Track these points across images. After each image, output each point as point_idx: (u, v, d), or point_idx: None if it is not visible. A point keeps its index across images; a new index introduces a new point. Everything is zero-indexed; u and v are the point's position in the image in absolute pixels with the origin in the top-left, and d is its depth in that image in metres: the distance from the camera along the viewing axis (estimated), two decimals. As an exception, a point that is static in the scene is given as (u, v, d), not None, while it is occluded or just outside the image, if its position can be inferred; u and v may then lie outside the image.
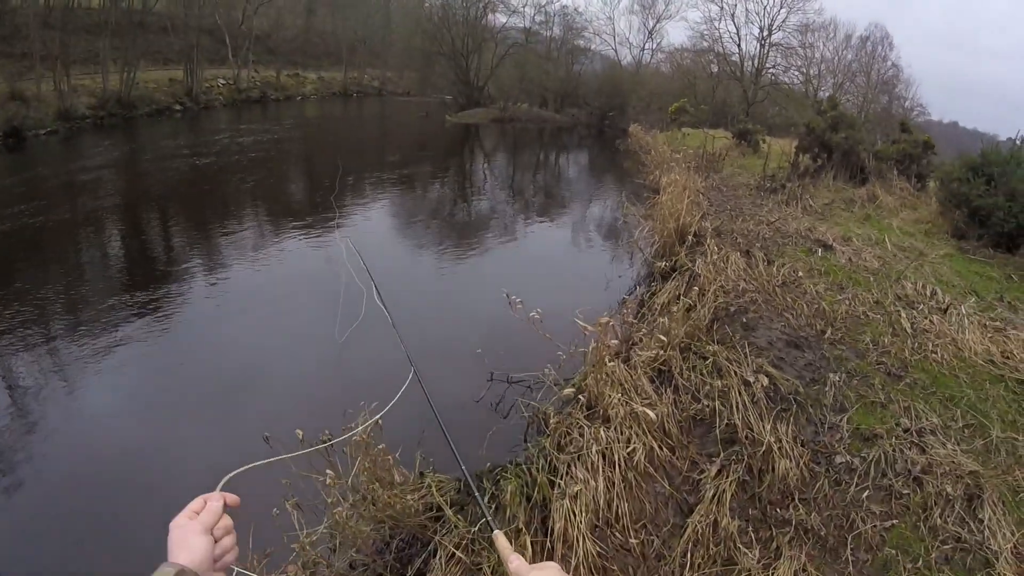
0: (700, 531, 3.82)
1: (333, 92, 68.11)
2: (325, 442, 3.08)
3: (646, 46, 49.71)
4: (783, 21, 41.99)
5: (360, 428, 3.37)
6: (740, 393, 4.93)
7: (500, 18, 47.70)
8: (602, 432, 4.40)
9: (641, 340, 6.31)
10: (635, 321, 7.25)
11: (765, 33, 42.09)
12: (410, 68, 52.06)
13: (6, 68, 40.59)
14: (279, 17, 67.23)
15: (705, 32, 44.70)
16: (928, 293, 7.55)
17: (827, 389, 5.16)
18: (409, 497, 3.81)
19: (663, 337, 5.87)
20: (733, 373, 5.26)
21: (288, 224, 12.55)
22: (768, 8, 41.62)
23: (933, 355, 5.94)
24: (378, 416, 3.22)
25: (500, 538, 1.21)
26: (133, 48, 44.88)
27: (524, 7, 47.52)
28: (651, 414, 4.44)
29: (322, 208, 13.63)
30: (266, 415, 5.71)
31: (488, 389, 6.03)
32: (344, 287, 5.59)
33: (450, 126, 37.09)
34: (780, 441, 4.43)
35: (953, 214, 11.34)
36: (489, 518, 1.54)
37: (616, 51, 49.92)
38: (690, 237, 9.92)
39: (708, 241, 9.48)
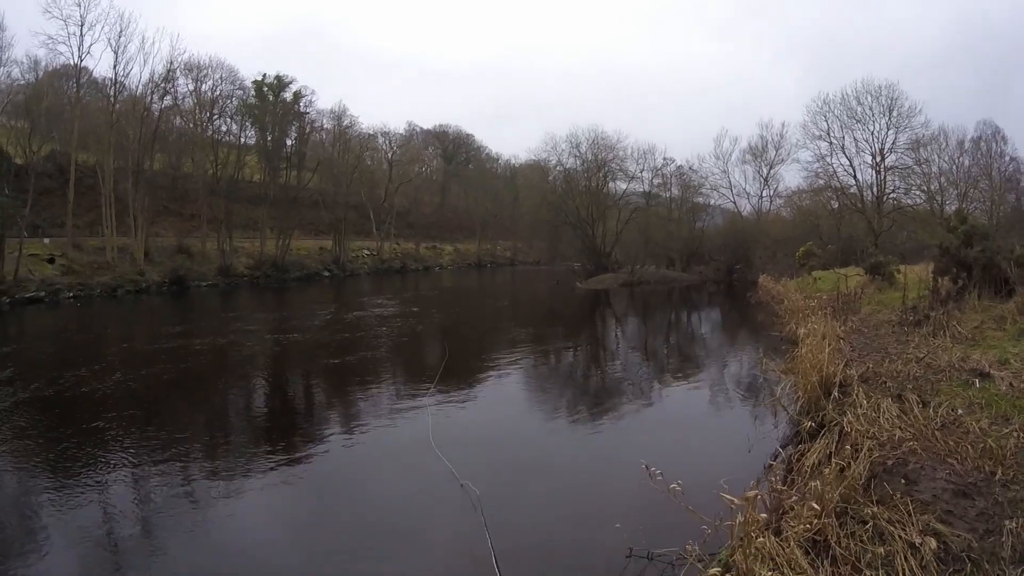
0: None
1: (468, 263, 73.48)
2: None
3: (763, 193, 50.27)
4: (893, 143, 41.37)
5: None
6: (906, 558, 4.55)
7: (620, 185, 50.35)
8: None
9: (792, 508, 6.00)
10: (784, 488, 6.90)
11: (878, 159, 41.53)
12: (539, 238, 55.13)
13: (176, 226, 47.64)
14: (417, 195, 74.62)
15: (819, 170, 44.67)
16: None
17: (1003, 540, 4.65)
18: None
19: (816, 505, 5.57)
20: (897, 536, 4.88)
21: (421, 389, 13.05)
22: (876, 133, 41.40)
23: None
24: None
25: None
26: (288, 218, 51.52)
27: (642, 172, 50.15)
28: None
29: (457, 376, 14.31)
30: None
31: (626, 566, 5.87)
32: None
33: (580, 293, 38.29)
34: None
35: None
36: None
37: (735, 202, 50.75)
38: (835, 389, 9.49)
39: (855, 390, 9.04)
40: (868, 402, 8.32)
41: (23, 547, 6.56)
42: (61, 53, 42.91)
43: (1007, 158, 42.43)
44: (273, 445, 10.03)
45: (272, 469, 8.76)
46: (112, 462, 8.92)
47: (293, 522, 7.40)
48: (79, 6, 40.86)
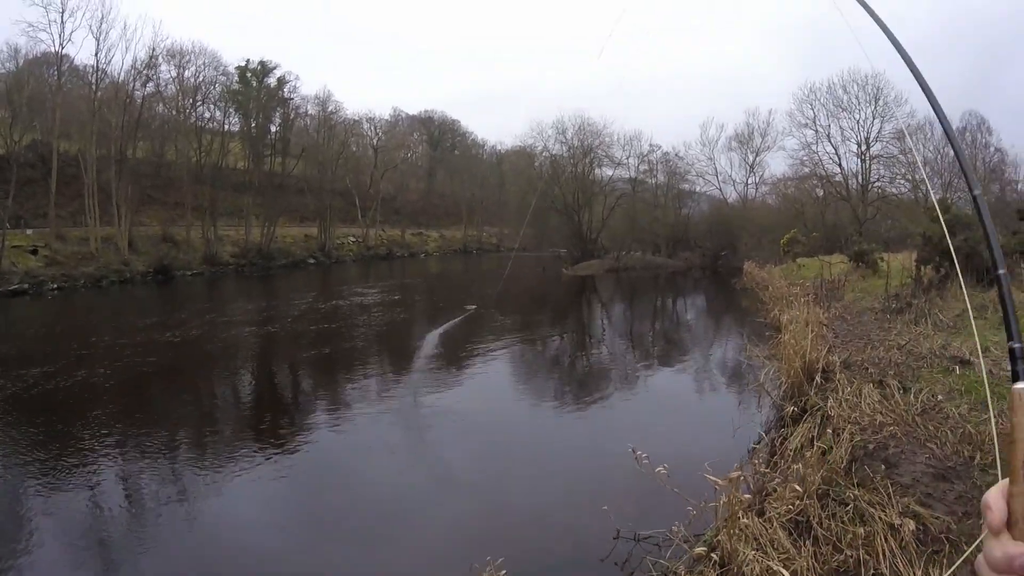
0: None
1: (454, 249, 73.40)
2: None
3: (749, 181, 50.42)
4: (879, 132, 41.60)
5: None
6: (886, 539, 4.69)
7: (607, 171, 50.32)
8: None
9: (775, 490, 6.14)
10: (767, 470, 7.04)
11: (863, 148, 41.82)
12: (525, 224, 55.13)
13: (160, 214, 47.38)
14: (403, 181, 73.89)
15: (805, 158, 44.89)
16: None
17: (981, 522, 4.79)
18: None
19: (798, 487, 5.71)
20: (877, 518, 5.02)
21: (409, 377, 13.09)
22: (861, 122, 41.65)
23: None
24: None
25: None
26: (273, 206, 51.34)
27: (628, 159, 50.04)
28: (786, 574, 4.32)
29: (445, 363, 14.31)
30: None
31: (614, 548, 5.99)
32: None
33: (567, 279, 38.46)
34: (936, 589, 4.16)
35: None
36: None
37: (721, 189, 50.90)
38: (818, 374, 9.66)
39: (838, 376, 9.21)
40: (850, 388, 8.49)
41: (12, 539, 6.59)
42: (42, 40, 42.15)
43: (992, 149, 42.91)
44: (263, 433, 10.11)
45: (262, 456, 8.82)
46: (100, 454, 8.93)
47: (285, 509, 7.48)
48: (61, -8, 40.20)
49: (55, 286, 33.90)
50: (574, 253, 45.50)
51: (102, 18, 42.78)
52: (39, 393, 12.08)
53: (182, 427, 10.43)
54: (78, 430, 9.93)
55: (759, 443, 8.35)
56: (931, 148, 42.11)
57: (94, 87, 43.71)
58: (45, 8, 40.17)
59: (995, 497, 0.75)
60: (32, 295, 31.77)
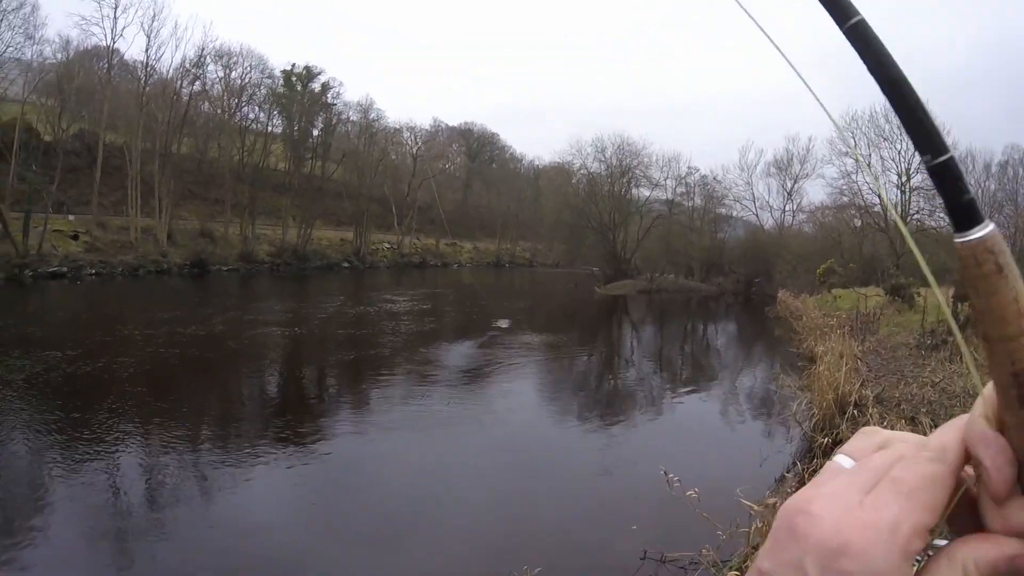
0: None
1: (487, 261, 73.60)
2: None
3: (786, 207, 49.83)
4: (919, 163, 41.06)
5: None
6: None
7: (644, 191, 50.23)
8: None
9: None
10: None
11: (904, 179, 41.13)
12: (559, 240, 54.99)
13: (200, 210, 48.42)
14: (440, 191, 74.28)
15: (844, 187, 44.22)
16: None
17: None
18: None
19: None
20: (908, 555, 4.99)
21: (439, 388, 13.05)
22: (903, 153, 40.93)
23: None
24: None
25: None
26: (311, 208, 52.15)
27: (666, 180, 49.94)
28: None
29: (474, 376, 14.36)
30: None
31: (640, 567, 6.00)
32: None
33: (598, 297, 38.33)
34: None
35: None
36: None
37: (757, 215, 50.34)
38: (850, 407, 9.58)
39: (870, 410, 9.14)
40: (882, 423, 8.41)
41: (29, 523, 6.75)
42: (94, 34, 43.75)
43: (1034, 183, 42.14)
44: (286, 433, 10.21)
45: (284, 456, 8.98)
46: (124, 442, 9.16)
47: (304, 511, 7.56)
48: (113, -12, 41.62)
49: (93, 271, 34.91)
50: (607, 272, 45.32)
51: (154, 16, 44.41)
52: (68, 376, 12.47)
53: (204, 421, 10.68)
54: (104, 417, 10.18)
55: (788, 472, 8.31)
56: (972, 182, 41.41)
57: (143, 82, 45.11)
58: (99, 3, 41.74)
59: (987, 434, 0.43)
60: (70, 279, 32.74)
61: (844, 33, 0.54)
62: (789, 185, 49.38)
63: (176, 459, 8.70)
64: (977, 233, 0.47)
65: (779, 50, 0.67)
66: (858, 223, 43.03)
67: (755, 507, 5.06)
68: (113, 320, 19.99)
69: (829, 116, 0.58)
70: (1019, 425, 0.43)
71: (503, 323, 21.74)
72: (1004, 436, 0.43)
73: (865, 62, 0.50)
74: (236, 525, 7.04)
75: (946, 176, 0.49)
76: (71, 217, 38.85)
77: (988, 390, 0.46)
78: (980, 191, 41.33)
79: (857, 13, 0.56)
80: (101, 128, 42.50)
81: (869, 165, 42.28)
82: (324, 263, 52.02)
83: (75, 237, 37.41)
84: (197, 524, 6.95)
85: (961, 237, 0.48)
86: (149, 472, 8.32)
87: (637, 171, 48.83)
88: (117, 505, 7.34)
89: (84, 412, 10.45)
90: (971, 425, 0.44)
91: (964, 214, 0.48)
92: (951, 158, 0.48)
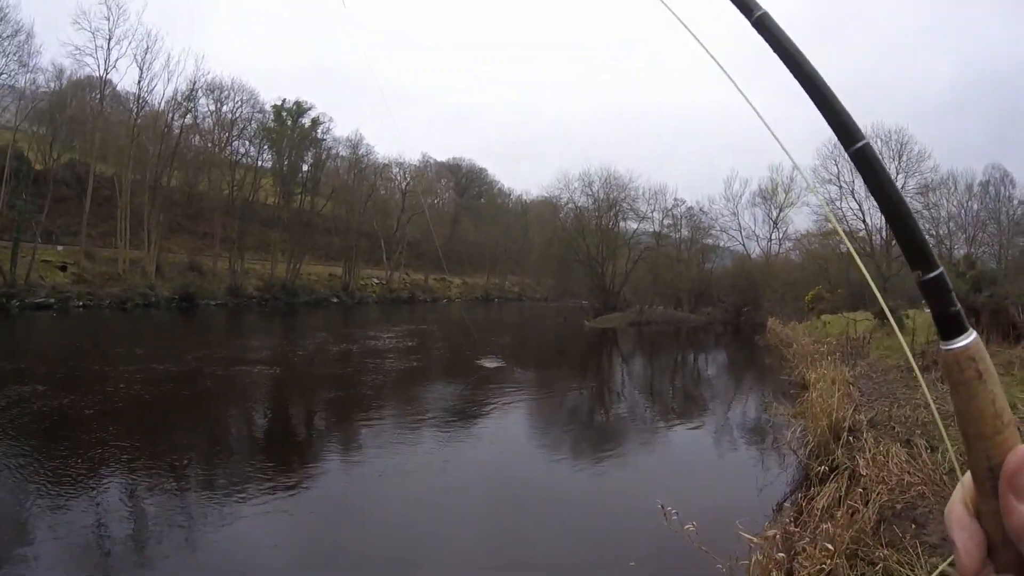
0: None
1: (476, 296, 73.54)
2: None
3: (772, 236, 50.35)
4: (902, 186, 41.60)
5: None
6: (918, 604, 4.61)
7: (631, 224, 50.67)
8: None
9: (804, 549, 6.05)
10: (796, 529, 6.94)
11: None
12: (548, 274, 55.15)
13: (189, 243, 48.21)
14: (428, 226, 74.37)
15: (824, 218, 44.58)
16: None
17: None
18: None
19: (829, 546, 5.63)
20: (907, 581, 4.94)
21: (429, 425, 12.93)
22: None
23: None
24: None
25: None
26: (300, 243, 52.13)
27: (653, 212, 50.46)
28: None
29: (465, 413, 14.25)
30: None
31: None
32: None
33: (588, 331, 38.27)
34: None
35: None
36: None
37: (744, 245, 50.88)
38: (845, 433, 9.55)
39: (864, 435, 9.10)
40: (877, 447, 8.38)
41: (18, 557, 6.56)
42: (87, 64, 43.98)
43: (1015, 202, 42.73)
44: (274, 472, 9.94)
45: (270, 494, 8.71)
46: (110, 480, 8.94)
47: (292, 547, 7.37)
48: (108, 20, 42.21)
49: (80, 303, 34.58)
50: (596, 305, 45.44)
51: (147, 49, 44.72)
52: (44, 412, 12.18)
53: (189, 460, 10.32)
54: (88, 454, 9.90)
55: (784, 501, 8.25)
56: (955, 203, 41.99)
57: (134, 114, 45.35)
58: (93, 34, 42.09)
59: (963, 519, 0.50)
60: (57, 311, 32.33)
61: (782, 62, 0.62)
62: (774, 214, 50.04)
63: (160, 498, 8.45)
64: (961, 342, 0.52)
65: (743, 94, 0.71)
66: (844, 249, 43.45)
67: (755, 539, 4.99)
68: (98, 355, 19.68)
69: (791, 159, 0.62)
70: (993, 513, 0.48)
71: (492, 363, 21.15)
72: (979, 522, 0.49)
73: (869, 182, 0.62)
74: (221, 565, 6.85)
75: (936, 290, 0.54)
76: (59, 247, 38.67)
77: (967, 478, 0.51)
78: (963, 212, 41.80)
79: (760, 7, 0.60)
80: (92, 158, 42.55)
81: (852, 192, 42.85)
82: (312, 298, 51.83)
83: (63, 268, 37.16)
84: (182, 564, 6.76)
85: (947, 345, 0.53)
86: (136, 506, 8.11)
87: (624, 204, 49.41)
88: (101, 544, 7.10)
89: (67, 449, 10.16)
90: (949, 510, 0.50)
91: (950, 324, 0.53)
92: (942, 273, 0.55)
